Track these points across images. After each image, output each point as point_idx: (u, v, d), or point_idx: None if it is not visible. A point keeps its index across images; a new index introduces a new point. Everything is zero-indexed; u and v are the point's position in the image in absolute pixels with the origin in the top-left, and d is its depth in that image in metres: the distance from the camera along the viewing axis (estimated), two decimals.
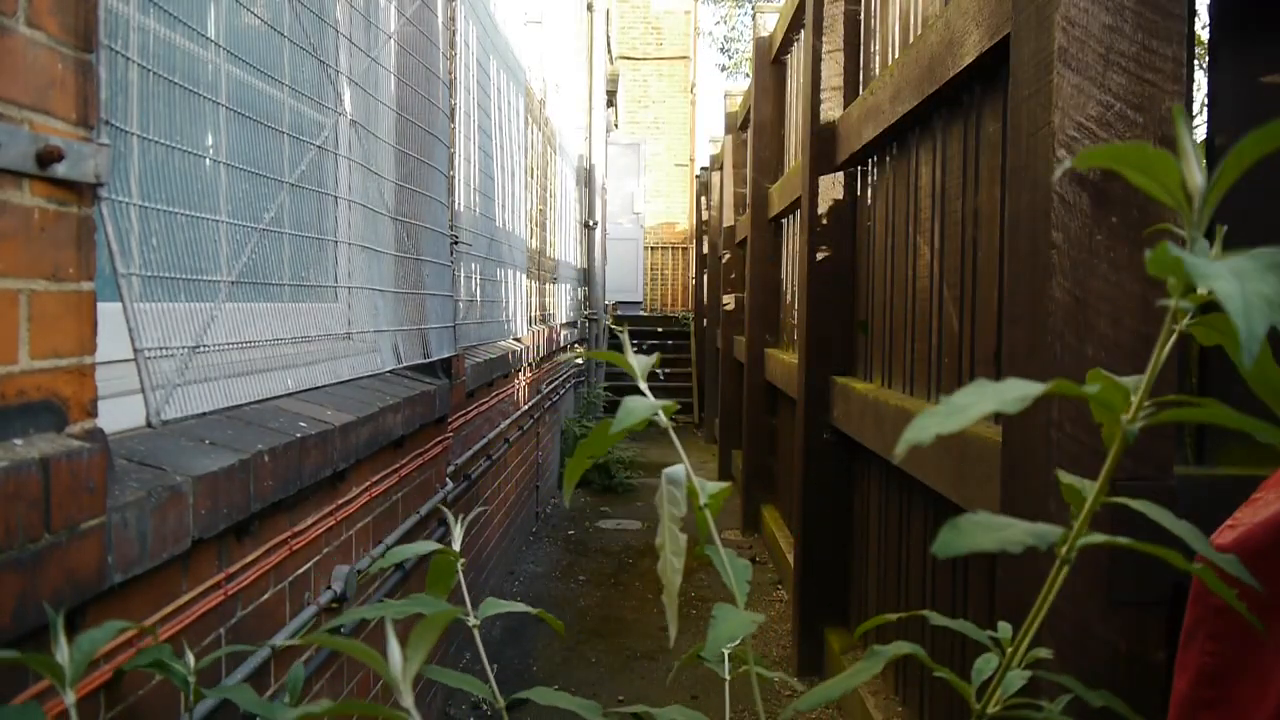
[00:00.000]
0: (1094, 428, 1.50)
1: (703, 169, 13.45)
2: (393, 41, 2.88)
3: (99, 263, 1.26)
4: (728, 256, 8.32)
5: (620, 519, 6.86)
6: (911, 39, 2.96)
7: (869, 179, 3.62)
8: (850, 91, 3.81)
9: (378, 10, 2.80)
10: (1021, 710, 0.98)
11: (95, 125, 1.23)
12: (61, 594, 1.11)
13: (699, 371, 12.62)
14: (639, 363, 0.99)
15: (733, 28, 25.44)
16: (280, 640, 1.79)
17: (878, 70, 3.49)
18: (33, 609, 1.06)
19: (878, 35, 3.53)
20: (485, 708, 3.55)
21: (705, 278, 11.80)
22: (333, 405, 2.20)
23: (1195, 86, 2.10)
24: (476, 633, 1.19)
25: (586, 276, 10.62)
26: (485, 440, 4.47)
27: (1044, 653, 1.07)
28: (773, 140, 6.31)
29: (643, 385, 1.02)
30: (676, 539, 0.92)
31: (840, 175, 3.80)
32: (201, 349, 1.74)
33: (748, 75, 18.81)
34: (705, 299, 11.67)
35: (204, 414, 1.72)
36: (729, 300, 8.26)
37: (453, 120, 3.63)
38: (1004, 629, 1.10)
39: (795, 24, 5.30)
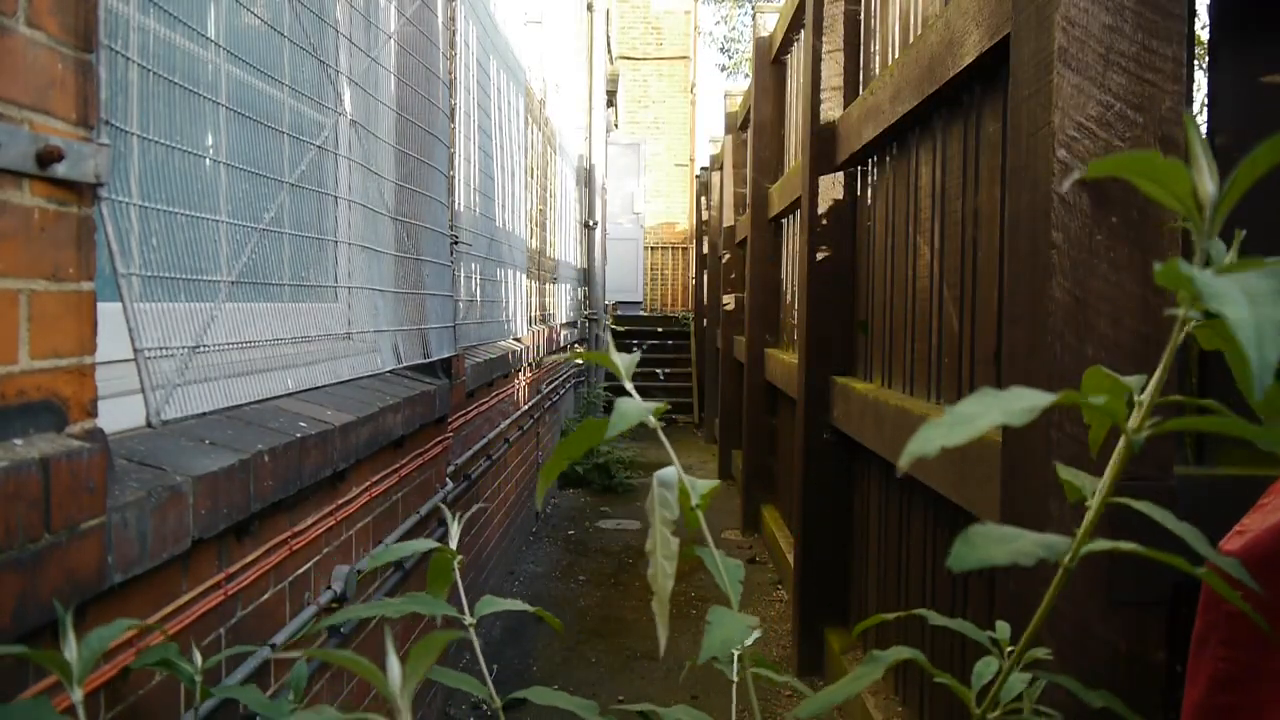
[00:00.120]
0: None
1: (703, 169, 13.45)
2: (393, 41, 2.88)
3: (99, 263, 1.26)
4: (728, 256, 8.32)
5: (620, 519, 6.86)
6: (911, 39, 2.96)
7: (869, 179, 3.62)
8: (850, 91, 3.81)
9: (378, 10, 2.80)
10: (1021, 718, 0.98)
11: (95, 125, 1.23)
12: (62, 594, 1.11)
13: (699, 371, 12.62)
14: (623, 361, 0.99)
15: (733, 28, 25.46)
16: (280, 640, 1.79)
17: (878, 70, 3.49)
18: (33, 609, 1.06)
19: (878, 35, 3.53)
20: (485, 708, 3.55)
21: (705, 278, 11.80)
22: (333, 405, 2.20)
23: (1195, 86, 2.10)
24: (473, 632, 1.19)
25: (586, 276, 10.62)
26: (485, 440, 4.47)
27: (1041, 652, 1.07)
28: (773, 140, 6.31)
29: (628, 385, 1.01)
30: (668, 543, 0.90)
31: (840, 175, 3.80)
32: (201, 349, 1.74)
33: (747, 75, 18.81)
34: (705, 299, 11.67)
35: (204, 414, 1.72)
36: (729, 300, 8.26)
37: (453, 120, 3.64)
38: (1002, 629, 1.09)
39: (795, 24, 5.30)
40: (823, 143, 3.83)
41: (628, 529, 6.57)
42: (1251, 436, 0.65)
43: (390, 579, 2.61)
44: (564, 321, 8.39)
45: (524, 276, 5.87)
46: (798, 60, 5.49)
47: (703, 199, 12.60)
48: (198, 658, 1.25)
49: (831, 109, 3.85)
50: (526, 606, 1.23)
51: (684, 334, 13.84)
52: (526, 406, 5.88)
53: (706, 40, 24.63)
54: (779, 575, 5.32)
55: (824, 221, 3.85)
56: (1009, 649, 0.97)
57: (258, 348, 2.04)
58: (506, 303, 5.20)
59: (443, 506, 1.53)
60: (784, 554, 5.09)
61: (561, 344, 7.78)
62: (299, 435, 1.86)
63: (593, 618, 4.68)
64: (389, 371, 2.80)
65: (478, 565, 4.32)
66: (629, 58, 17.50)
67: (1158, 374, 0.71)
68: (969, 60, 2.22)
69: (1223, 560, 0.80)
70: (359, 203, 2.66)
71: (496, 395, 4.84)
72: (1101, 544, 0.79)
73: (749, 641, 1.12)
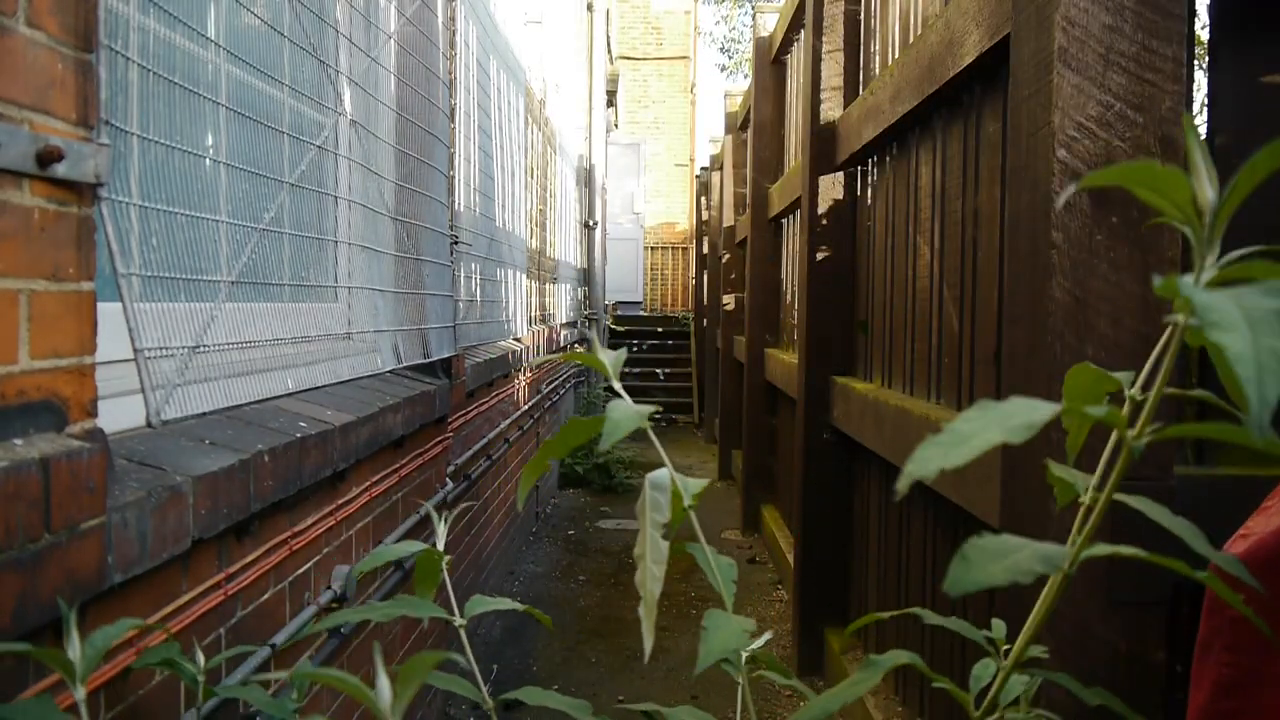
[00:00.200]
0: (1095, 428, 1.50)
1: (703, 169, 13.45)
2: (393, 41, 2.88)
3: (99, 263, 1.26)
4: (728, 256, 8.32)
5: (620, 519, 6.86)
6: (911, 39, 2.96)
7: (869, 179, 3.62)
8: (850, 91, 3.81)
9: (378, 10, 2.80)
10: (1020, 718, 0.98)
11: (95, 125, 1.23)
12: (62, 594, 1.11)
13: (699, 371, 12.62)
14: (609, 359, 0.98)
15: (733, 28, 25.45)
16: (280, 640, 1.79)
17: (878, 70, 3.49)
18: (33, 609, 1.06)
19: (878, 35, 3.53)
20: (485, 707, 3.55)
21: (705, 278, 11.80)
22: (333, 405, 2.20)
23: (1195, 86, 2.10)
24: (463, 633, 1.18)
25: (586, 276, 10.62)
26: (485, 440, 4.47)
27: (1037, 650, 1.07)
28: (773, 140, 6.31)
29: (616, 385, 1.00)
30: (658, 547, 0.87)
31: (840, 175, 3.80)
32: (201, 349, 1.74)
33: (747, 75, 18.81)
34: (705, 299, 11.67)
35: (204, 414, 1.72)
36: (729, 300, 8.26)
37: (453, 120, 3.64)
38: (998, 627, 1.09)
39: (795, 24, 5.30)
40: (823, 143, 3.83)
41: (628, 529, 6.57)
42: (1251, 444, 0.64)
43: (391, 579, 2.61)
44: (564, 321, 8.39)
45: (524, 276, 5.87)
46: (798, 60, 5.49)
47: (703, 199, 12.60)
48: (200, 657, 1.25)
49: (831, 109, 3.85)
50: (516, 605, 1.22)
51: (684, 334, 13.84)
52: (526, 406, 5.88)
53: (706, 40, 24.64)
54: (779, 575, 5.32)
55: (824, 221, 3.85)
56: (1005, 647, 0.97)
57: (258, 348, 2.04)
58: (506, 303, 5.20)
59: (429, 508, 1.53)
60: (784, 554, 5.09)
61: (562, 344, 7.78)
62: (299, 435, 1.86)
63: (593, 618, 4.68)
64: (389, 371, 2.80)
65: (478, 565, 4.32)
66: (629, 58, 17.50)
67: (1158, 381, 0.71)
68: (969, 60, 2.22)
69: (1227, 562, 0.80)
70: (359, 203, 2.66)
71: (496, 395, 4.84)
72: (1101, 549, 0.78)
73: (759, 644, 1.12)
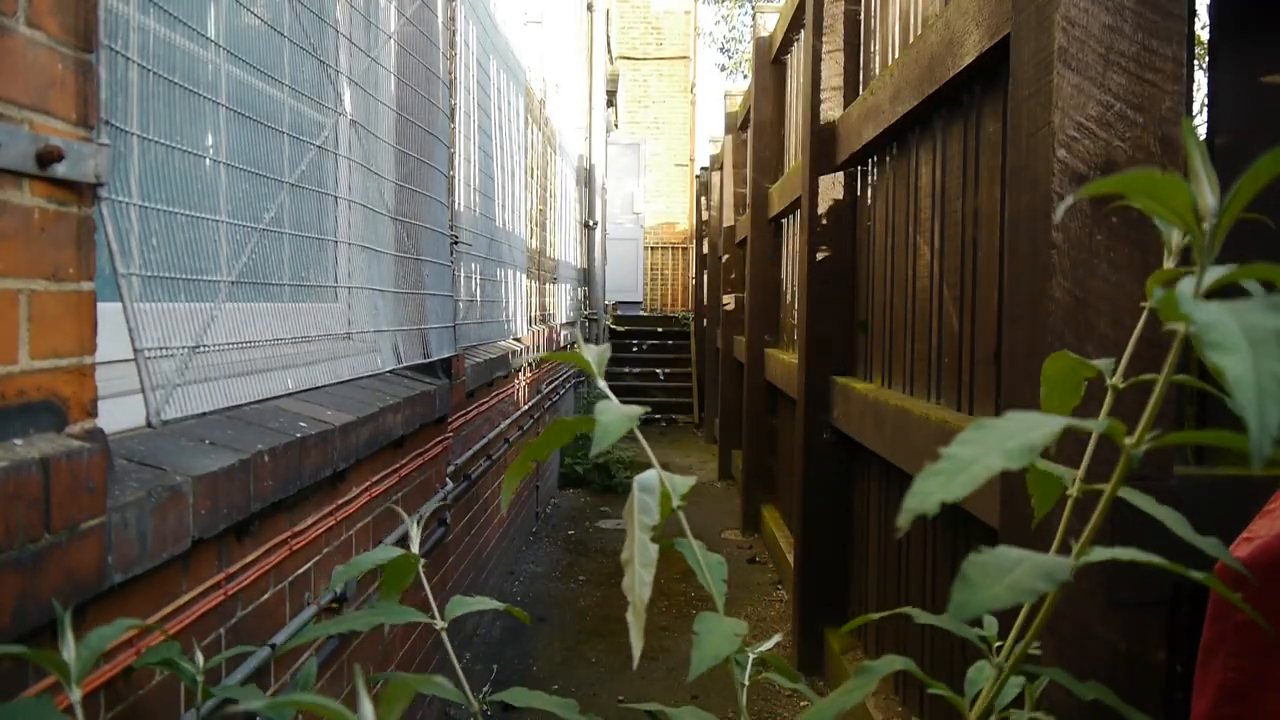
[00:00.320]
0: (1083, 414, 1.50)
1: (703, 169, 13.45)
2: (393, 41, 2.88)
3: (99, 263, 1.26)
4: (727, 256, 8.32)
5: (620, 519, 6.85)
6: (911, 39, 2.96)
7: (869, 179, 3.62)
8: (850, 91, 3.81)
9: (378, 10, 2.80)
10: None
11: (95, 125, 1.23)
12: (61, 594, 1.11)
13: (699, 371, 12.62)
14: (593, 356, 0.97)
15: (733, 28, 25.45)
16: (280, 639, 1.79)
17: (878, 70, 3.49)
18: (33, 609, 1.06)
19: (878, 35, 3.53)
20: (486, 708, 3.55)
21: (705, 278, 11.80)
22: (333, 405, 2.20)
23: (1195, 86, 2.10)
24: (445, 636, 1.17)
25: (586, 276, 10.62)
26: (485, 440, 4.47)
27: (1030, 648, 1.06)
28: (773, 140, 6.31)
29: (601, 384, 0.99)
30: (647, 550, 0.86)
31: (840, 175, 3.80)
32: (201, 349, 1.74)
33: (747, 75, 18.80)
34: (705, 299, 11.67)
35: (204, 414, 1.72)
36: (729, 300, 8.26)
37: (453, 120, 3.63)
38: (990, 624, 1.08)
39: (795, 24, 5.30)
40: (823, 143, 3.83)
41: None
42: (1255, 470, 0.63)
43: None
44: (564, 321, 8.38)
45: (524, 276, 5.87)
46: (798, 60, 5.49)
47: (703, 199, 12.60)
48: (199, 657, 1.25)
49: (831, 109, 3.85)
50: (497, 605, 1.21)
51: (684, 334, 13.84)
52: (527, 406, 5.88)
53: (706, 40, 24.64)
54: (779, 575, 5.32)
55: (824, 221, 3.85)
56: (997, 644, 0.96)
57: (258, 348, 2.04)
58: (506, 303, 5.20)
59: (395, 507, 1.53)
60: (784, 554, 5.09)
61: (562, 344, 7.77)
62: (299, 435, 1.86)
63: (593, 618, 4.68)
64: (389, 371, 2.80)
65: (478, 565, 4.32)
66: (629, 58, 17.50)
67: (1157, 389, 0.71)
68: (969, 60, 2.22)
69: (1234, 563, 0.79)
70: (359, 203, 2.66)
71: (496, 395, 4.84)
72: (1100, 553, 0.78)
73: (768, 646, 1.11)
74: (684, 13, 17.87)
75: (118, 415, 1.50)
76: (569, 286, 8.92)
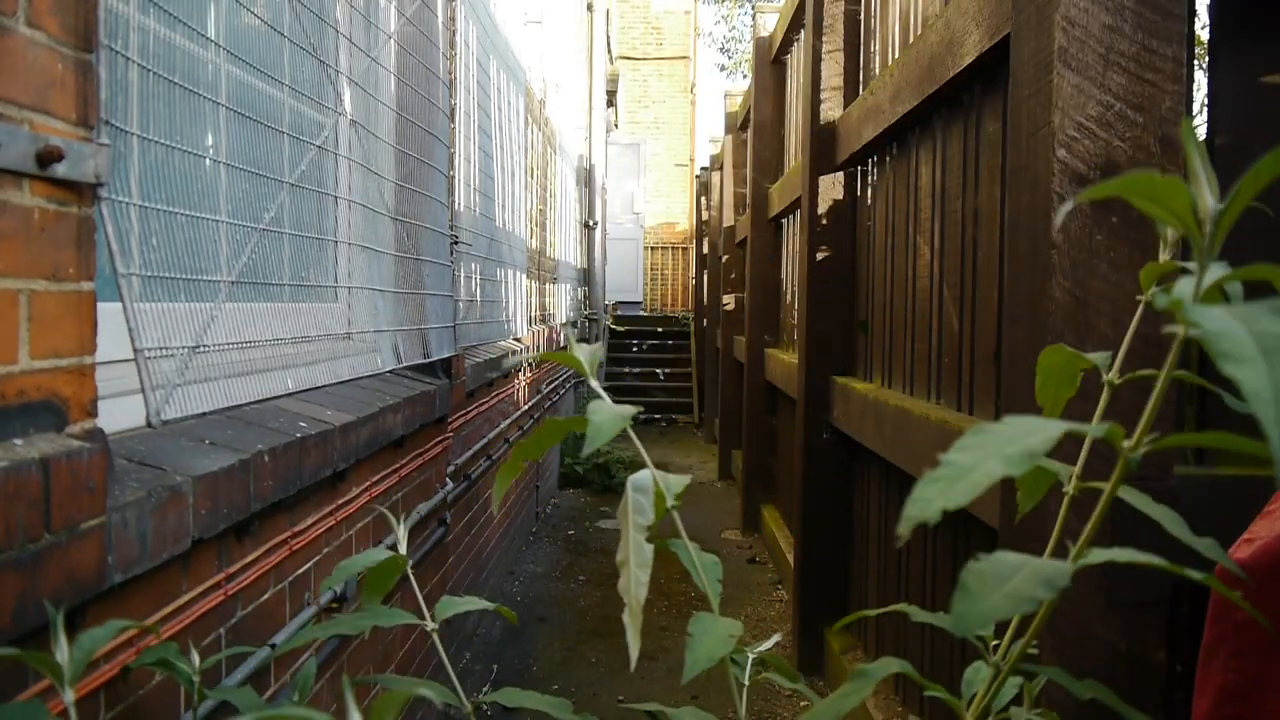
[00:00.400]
0: (1076, 413, 1.50)
1: (703, 169, 13.44)
2: (393, 41, 2.88)
3: (99, 263, 1.26)
4: (727, 256, 8.32)
5: None
6: (911, 39, 2.96)
7: (869, 179, 3.62)
8: (850, 91, 3.81)
9: (378, 10, 2.80)
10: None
11: (95, 125, 1.23)
12: (61, 594, 1.11)
13: (699, 371, 12.62)
14: (585, 356, 0.97)
15: (733, 28, 25.44)
16: (280, 640, 1.79)
17: (878, 70, 3.49)
18: (33, 609, 1.06)
19: (878, 35, 3.53)
20: (486, 708, 3.55)
21: (705, 278, 11.80)
22: (333, 405, 2.20)
23: (1195, 86, 2.10)
24: (436, 637, 1.17)
25: (586, 276, 10.62)
26: (485, 440, 4.47)
27: (1030, 648, 1.06)
28: (773, 140, 6.31)
29: (594, 384, 0.99)
30: (642, 551, 0.85)
31: (840, 175, 3.80)
32: (201, 349, 1.74)
33: (747, 75, 18.80)
34: (705, 299, 11.67)
35: (204, 414, 1.72)
36: (729, 300, 8.26)
37: (453, 120, 3.63)
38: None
39: (795, 24, 5.30)
40: (823, 143, 3.83)
41: None
42: (1250, 450, 0.62)
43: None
44: (564, 321, 8.38)
45: (524, 276, 5.87)
46: (798, 60, 5.49)
47: (703, 199, 12.60)
48: (195, 658, 1.25)
49: (831, 109, 3.85)
50: (487, 605, 1.21)
51: (684, 334, 13.84)
52: (527, 406, 5.88)
53: (706, 40, 24.63)
54: (779, 575, 5.32)
55: (824, 221, 3.85)
56: (993, 643, 0.96)
57: (258, 348, 2.03)
58: (506, 303, 5.20)
59: (384, 510, 1.52)
60: (784, 554, 5.09)
61: (561, 344, 7.77)
62: (299, 435, 1.86)
63: (593, 618, 4.68)
64: (389, 371, 2.80)
65: (477, 565, 4.32)
66: (629, 58, 17.50)
67: (1156, 391, 0.70)
68: (969, 60, 2.22)
69: (1232, 566, 0.79)
70: (359, 203, 2.66)
71: (496, 395, 4.84)
72: (1098, 555, 0.77)
73: (767, 645, 1.11)
74: (684, 13, 17.87)
75: (118, 415, 1.50)
76: (569, 286, 8.92)
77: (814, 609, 3.86)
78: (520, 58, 5.79)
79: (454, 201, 3.70)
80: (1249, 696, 1.09)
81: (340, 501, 2.20)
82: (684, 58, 17.87)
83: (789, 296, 5.73)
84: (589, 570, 5.51)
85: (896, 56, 3.11)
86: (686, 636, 0.93)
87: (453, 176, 3.64)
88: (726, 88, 9.59)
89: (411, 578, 1.22)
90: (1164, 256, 0.83)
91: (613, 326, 13.28)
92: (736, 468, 7.53)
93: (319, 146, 2.37)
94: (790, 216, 5.67)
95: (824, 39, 3.86)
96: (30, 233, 1.11)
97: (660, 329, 14.05)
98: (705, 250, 11.70)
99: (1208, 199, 0.62)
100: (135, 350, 1.49)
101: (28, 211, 1.10)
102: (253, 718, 0.70)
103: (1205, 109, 1.89)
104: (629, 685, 3.85)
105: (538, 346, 6.25)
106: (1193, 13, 1.76)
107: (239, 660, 1.64)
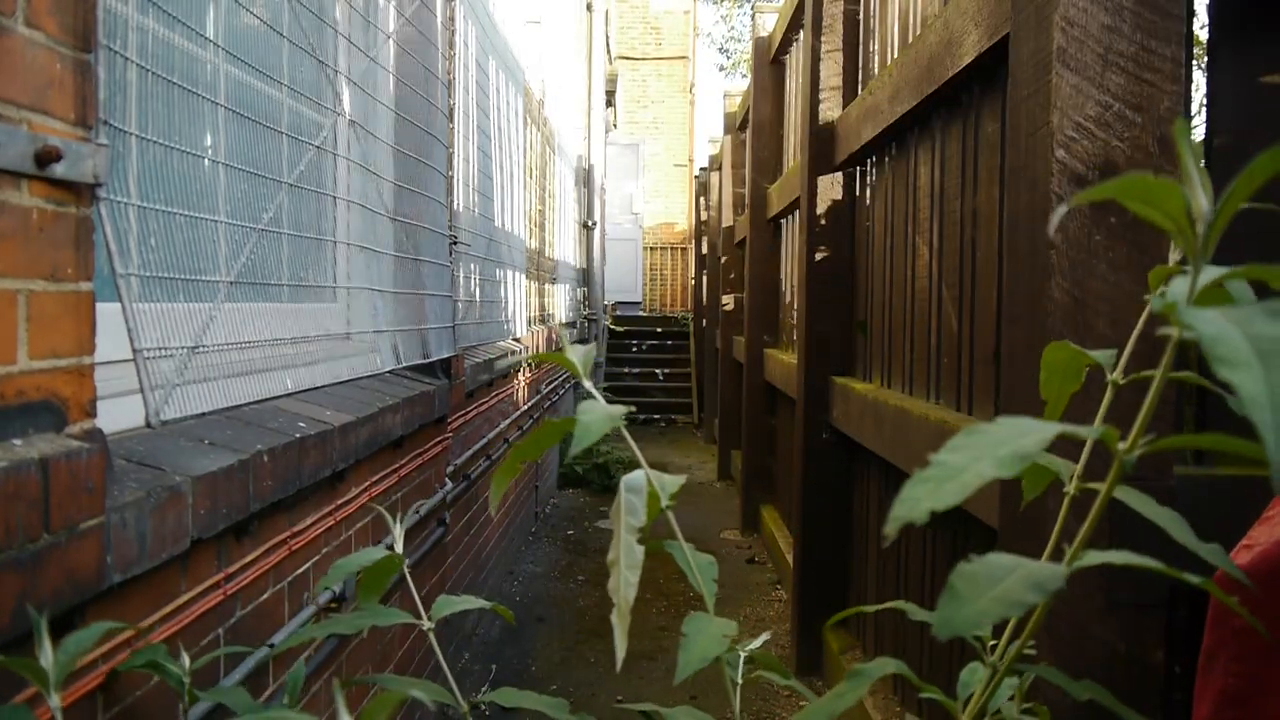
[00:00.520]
0: (1078, 405, 1.50)
1: (701, 169, 13.44)
2: (392, 42, 2.87)
3: (98, 263, 1.26)
4: (726, 257, 8.32)
5: None
6: (910, 39, 2.96)
7: (868, 179, 3.62)
8: (849, 91, 3.81)
9: (377, 10, 2.80)
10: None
11: (94, 125, 1.23)
12: (61, 594, 1.11)
13: (698, 372, 12.62)
14: (578, 357, 0.97)
15: (732, 27, 25.44)
16: (279, 639, 1.79)
17: (877, 70, 3.49)
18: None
19: (877, 35, 3.53)
20: (484, 708, 3.55)
21: (704, 278, 11.80)
22: (332, 405, 2.20)
23: (1194, 86, 2.10)
24: (432, 636, 1.17)
25: (586, 277, 10.62)
26: (485, 440, 4.47)
27: (1028, 649, 1.06)
28: (771, 140, 6.31)
29: (587, 384, 0.99)
30: (633, 552, 0.85)
31: (839, 175, 3.80)
32: (200, 349, 1.74)
33: (746, 75, 18.80)
34: (704, 299, 11.67)
35: (203, 414, 1.72)
36: (728, 300, 8.26)
37: (451, 120, 3.63)
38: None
39: (794, 24, 5.30)
40: (821, 143, 3.83)
41: None
42: (1248, 452, 0.61)
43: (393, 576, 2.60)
44: (563, 321, 8.38)
45: (523, 277, 5.87)
46: (797, 60, 5.49)
47: (701, 199, 12.60)
48: (186, 660, 1.25)
49: (830, 109, 3.85)
50: (484, 604, 1.20)
51: (683, 334, 13.84)
52: (526, 407, 5.88)
53: (705, 40, 24.63)
54: (778, 575, 5.32)
55: (823, 221, 3.85)
56: (991, 642, 0.96)
57: (257, 348, 2.03)
58: (506, 303, 5.20)
59: (380, 508, 1.52)
60: (783, 554, 5.10)
61: (560, 344, 7.76)
62: (298, 435, 1.86)
63: (591, 618, 4.68)
64: (388, 372, 2.80)
65: (477, 565, 4.32)
66: (628, 58, 17.50)
67: (1151, 393, 0.70)
68: (968, 60, 2.22)
69: (1236, 572, 0.79)
70: (358, 203, 2.66)
71: (496, 395, 4.84)
72: (1093, 558, 0.76)
73: (757, 644, 1.11)
74: (683, 13, 17.87)
75: (117, 415, 1.50)
76: (568, 287, 8.92)
77: (813, 609, 3.86)
78: (519, 58, 5.79)
79: (453, 201, 3.70)
80: (1249, 701, 1.09)
81: (340, 502, 2.20)
82: (683, 58, 17.87)
83: (788, 296, 5.73)
84: (588, 570, 5.51)
85: (895, 56, 3.11)
86: (681, 636, 0.92)
87: (452, 177, 3.64)
88: (725, 88, 9.60)
89: (408, 577, 1.22)
90: (1174, 258, 0.82)
91: (612, 327, 13.28)
92: (736, 468, 7.53)
93: (318, 147, 2.37)
94: (789, 217, 5.67)
95: (823, 39, 3.86)
96: (29, 233, 1.11)
97: (659, 329, 14.05)
98: (704, 250, 11.70)
99: (1201, 200, 0.61)
100: (134, 350, 1.49)
101: (26, 212, 1.10)
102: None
103: (1204, 109, 1.89)
104: (627, 685, 3.85)
105: (537, 347, 6.25)
106: (1191, 13, 1.76)
107: (237, 660, 1.64)
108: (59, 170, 1.14)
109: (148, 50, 1.64)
